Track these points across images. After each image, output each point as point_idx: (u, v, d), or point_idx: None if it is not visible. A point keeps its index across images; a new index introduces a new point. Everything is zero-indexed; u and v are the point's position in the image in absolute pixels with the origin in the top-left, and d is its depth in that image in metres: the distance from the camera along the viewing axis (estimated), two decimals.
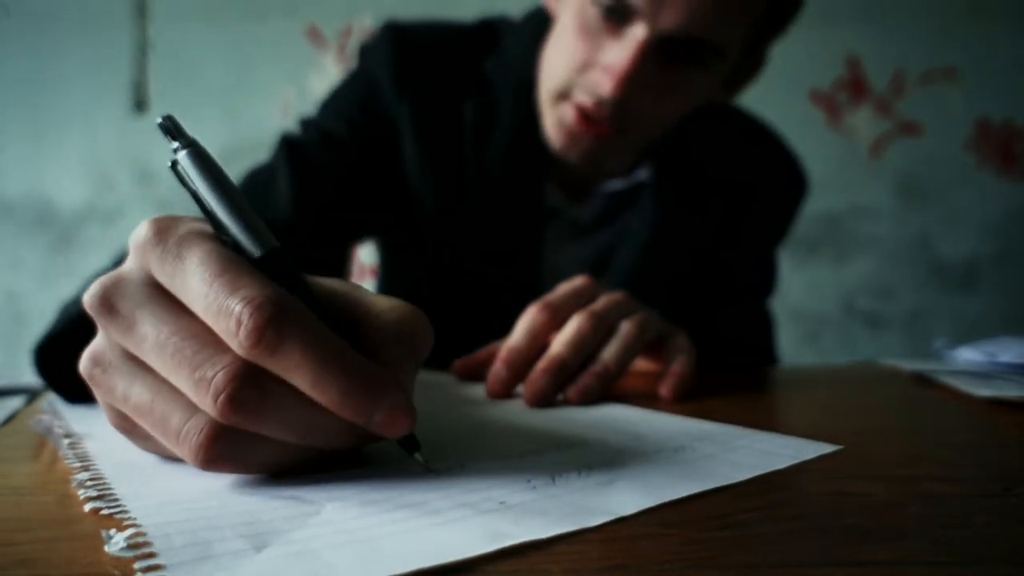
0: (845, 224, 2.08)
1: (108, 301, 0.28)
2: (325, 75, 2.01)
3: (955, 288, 2.08)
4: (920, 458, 0.34)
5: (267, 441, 0.26)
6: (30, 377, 0.55)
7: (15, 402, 0.47)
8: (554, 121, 0.67)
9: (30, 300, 2.02)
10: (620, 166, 0.72)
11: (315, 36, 2.01)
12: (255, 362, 0.25)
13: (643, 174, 0.73)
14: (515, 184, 0.70)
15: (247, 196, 0.69)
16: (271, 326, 0.25)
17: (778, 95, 2.06)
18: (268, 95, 1.99)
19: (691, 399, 0.48)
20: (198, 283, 0.26)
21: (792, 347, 2.07)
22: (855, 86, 2.06)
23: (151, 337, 0.26)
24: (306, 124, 0.75)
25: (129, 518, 0.24)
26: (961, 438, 0.39)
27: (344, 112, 0.73)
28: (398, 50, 0.71)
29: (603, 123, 0.63)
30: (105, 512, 0.25)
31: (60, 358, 0.45)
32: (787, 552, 0.22)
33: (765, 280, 0.82)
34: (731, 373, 0.59)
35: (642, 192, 0.73)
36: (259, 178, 0.70)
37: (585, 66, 0.62)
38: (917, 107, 2.05)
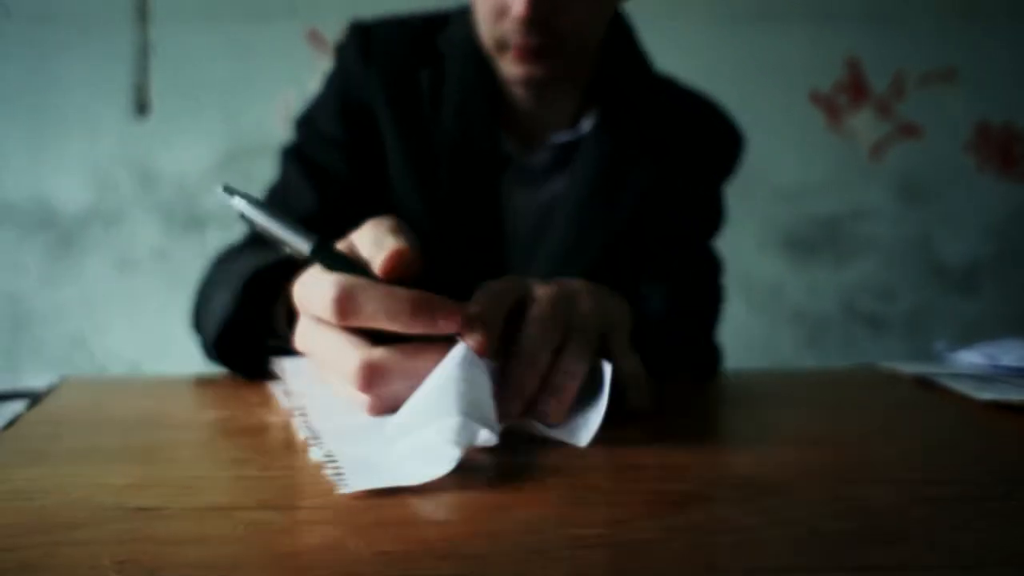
0: (845, 226, 2.08)
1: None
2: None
3: (955, 290, 2.08)
4: (921, 461, 0.34)
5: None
6: (31, 380, 0.55)
7: (16, 406, 0.47)
8: (506, 73, 0.73)
9: (31, 303, 2.02)
10: (568, 107, 0.78)
11: (315, 38, 2.02)
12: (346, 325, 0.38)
13: (587, 125, 0.78)
14: (470, 136, 0.76)
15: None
16: (338, 302, 0.37)
17: (778, 97, 2.06)
18: (269, 97, 2.00)
19: (691, 403, 0.48)
20: None
21: (793, 349, 2.07)
22: (855, 88, 2.06)
23: None
24: (301, 127, 0.79)
25: (321, 443, 0.36)
26: (962, 442, 0.39)
27: (333, 109, 0.78)
28: (363, 39, 0.79)
29: (540, 48, 0.68)
30: (312, 441, 0.36)
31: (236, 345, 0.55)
32: (788, 556, 0.22)
33: (711, 219, 0.86)
34: (731, 375, 0.59)
35: (586, 140, 0.78)
36: (276, 198, 0.76)
37: (501, 11, 0.68)
38: (917, 109, 2.05)
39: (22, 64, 2.01)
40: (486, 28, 0.71)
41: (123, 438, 0.40)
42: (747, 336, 2.03)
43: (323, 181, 0.74)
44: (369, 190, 0.76)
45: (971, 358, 0.64)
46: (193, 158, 1.99)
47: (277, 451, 0.38)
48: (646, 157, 0.78)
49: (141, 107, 2.02)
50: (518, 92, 0.75)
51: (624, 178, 0.77)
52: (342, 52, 0.81)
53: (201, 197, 1.98)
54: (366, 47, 0.78)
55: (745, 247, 2.03)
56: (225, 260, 0.69)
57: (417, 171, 0.77)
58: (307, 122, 0.79)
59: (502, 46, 0.70)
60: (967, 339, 0.70)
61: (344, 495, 0.29)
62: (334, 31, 2.18)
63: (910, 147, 2.06)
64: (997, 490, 0.29)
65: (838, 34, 2.04)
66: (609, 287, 0.48)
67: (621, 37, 0.81)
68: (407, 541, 0.24)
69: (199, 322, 0.64)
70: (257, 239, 0.67)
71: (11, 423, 0.43)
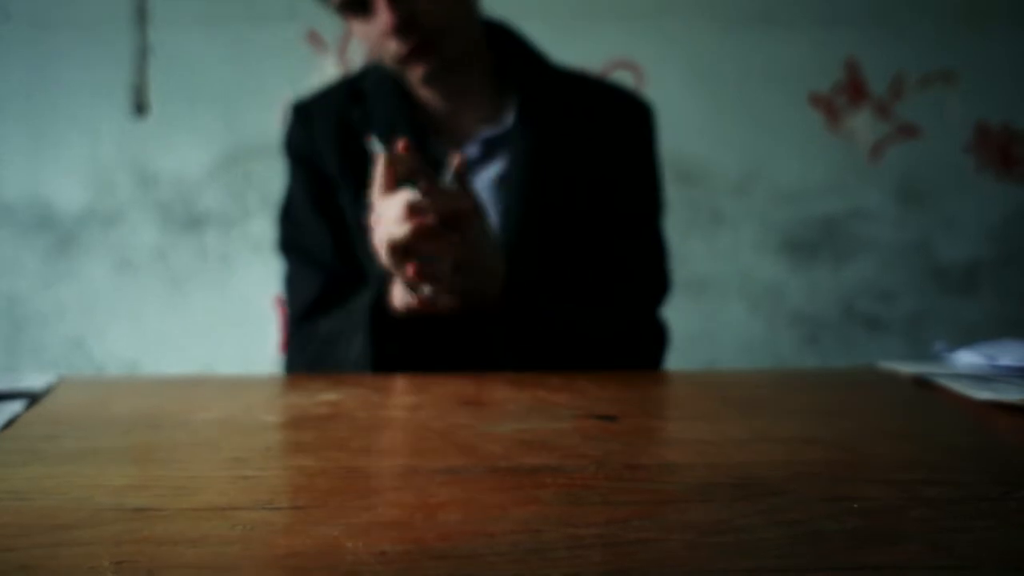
0: (844, 227, 2.08)
1: None
2: (325, 79, 2.01)
3: (955, 291, 2.08)
4: (919, 462, 0.34)
5: None
6: (29, 381, 0.55)
7: (15, 406, 0.47)
8: (414, 82, 0.83)
9: (29, 303, 2.02)
10: (484, 104, 0.86)
11: (315, 40, 2.02)
12: None
13: (509, 120, 0.85)
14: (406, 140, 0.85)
15: (294, 296, 0.89)
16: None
17: (777, 98, 2.06)
18: (268, 99, 2.00)
19: (690, 403, 0.48)
20: None
21: (792, 350, 2.07)
22: (854, 89, 2.06)
23: None
24: (282, 222, 0.89)
25: None
26: (961, 441, 0.39)
27: (301, 197, 0.87)
28: (301, 113, 0.90)
29: (420, 46, 0.77)
30: None
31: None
32: (786, 557, 0.22)
33: (651, 195, 0.91)
34: (730, 376, 0.59)
35: (511, 133, 0.85)
36: (292, 289, 0.88)
37: (380, 36, 0.78)
38: (916, 110, 2.05)
39: (21, 66, 2.01)
40: (384, 57, 0.81)
41: (121, 438, 0.40)
42: (746, 337, 2.03)
43: (318, 264, 0.85)
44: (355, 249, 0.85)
45: (969, 358, 0.64)
46: (192, 159, 1.99)
47: (275, 451, 0.38)
48: (571, 140, 0.85)
49: (140, 108, 2.02)
50: (431, 97, 0.85)
51: (556, 162, 0.85)
52: (288, 132, 0.91)
53: (199, 198, 1.98)
54: (305, 117, 0.89)
55: (744, 248, 2.03)
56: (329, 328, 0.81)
57: (360, 186, 0.85)
58: (285, 216, 0.89)
59: (398, 61, 0.80)
60: (966, 340, 0.70)
61: (339, 496, 0.29)
62: (334, 32, 2.19)
63: (909, 148, 2.06)
64: (995, 490, 0.29)
65: (837, 36, 2.04)
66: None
67: (507, 36, 0.89)
68: (405, 541, 0.24)
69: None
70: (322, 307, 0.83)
71: (9, 423, 0.43)
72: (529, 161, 0.84)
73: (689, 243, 1.99)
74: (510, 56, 0.88)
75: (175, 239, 2.01)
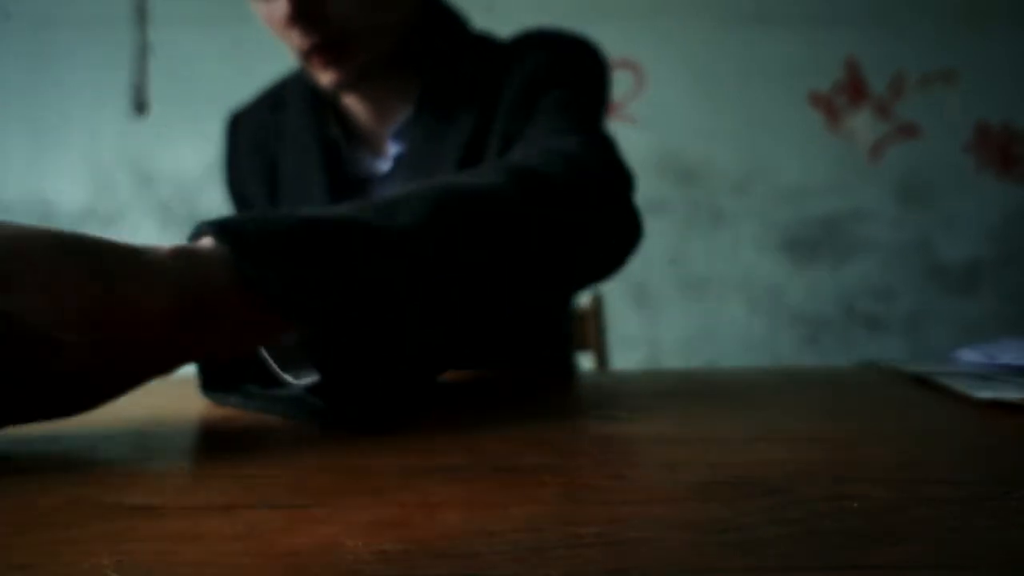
0: (845, 227, 2.08)
1: None
2: None
3: (955, 290, 2.08)
4: (920, 461, 0.34)
5: None
6: None
7: None
8: (317, 79, 0.71)
9: None
10: (403, 85, 0.76)
11: None
12: None
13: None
14: (305, 164, 0.77)
15: None
16: None
17: (777, 98, 2.06)
18: None
19: (689, 401, 0.48)
20: None
21: (792, 349, 2.07)
22: (854, 89, 2.06)
23: None
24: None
25: None
26: (961, 441, 0.39)
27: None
28: (232, 126, 0.87)
29: (327, 46, 0.67)
30: None
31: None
32: (786, 556, 0.22)
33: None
34: (730, 376, 0.59)
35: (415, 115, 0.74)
36: None
37: (281, 25, 0.67)
38: (916, 110, 2.06)
39: (22, 66, 2.01)
40: (289, 48, 0.70)
41: (122, 436, 0.40)
42: (747, 336, 2.03)
43: None
44: None
45: (970, 356, 0.65)
46: (191, 158, 1.99)
47: (276, 450, 0.38)
48: (467, 105, 0.72)
49: (140, 107, 2.02)
50: (350, 102, 0.77)
51: (448, 138, 0.72)
52: (222, 150, 0.88)
53: (199, 197, 1.98)
54: (233, 132, 0.85)
55: (745, 248, 2.03)
56: None
57: (273, 198, 0.80)
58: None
59: (301, 58, 0.70)
60: (966, 340, 0.70)
61: (340, 495, 0.29)
62: None
63: (909, 148, 2.07)
64: (996, 490, 0.29)
65: (837, 35, 2.04)
66: None
67: (440, 22, 0.77)
68: (405, 540, 0.24)
69: None
70: None
71: None
72: (422, 147, 0.72)
73: (689, 243, 1.99)
74: (431, 45, 0.75)
75: (174, 238, 2.01)
